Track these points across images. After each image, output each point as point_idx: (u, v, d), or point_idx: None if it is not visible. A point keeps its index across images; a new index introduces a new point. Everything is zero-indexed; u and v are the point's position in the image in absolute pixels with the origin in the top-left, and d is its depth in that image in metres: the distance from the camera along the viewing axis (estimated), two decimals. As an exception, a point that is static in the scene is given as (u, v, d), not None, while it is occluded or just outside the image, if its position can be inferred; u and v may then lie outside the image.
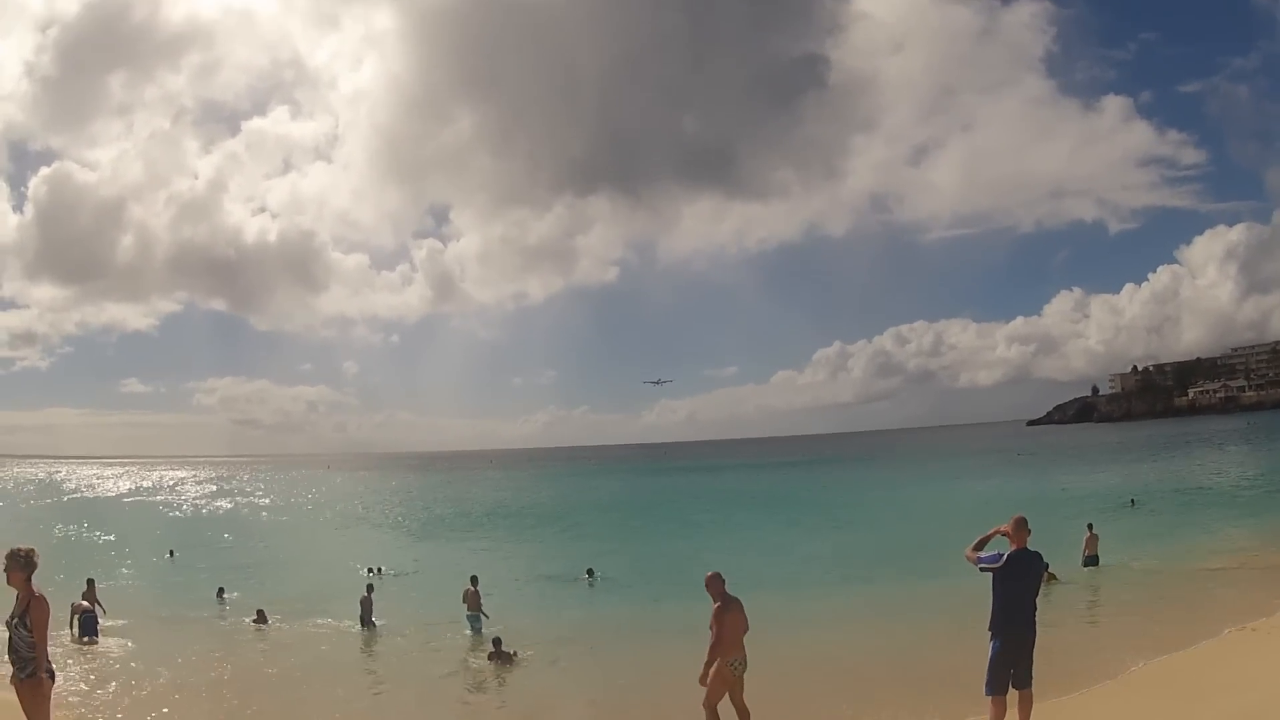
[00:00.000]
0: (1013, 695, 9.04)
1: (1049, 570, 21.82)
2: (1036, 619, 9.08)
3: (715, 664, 10.64)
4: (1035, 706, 9.17)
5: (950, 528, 27.40)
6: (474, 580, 21.71)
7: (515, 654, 18.02)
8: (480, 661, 18.21)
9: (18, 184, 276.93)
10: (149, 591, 29.91)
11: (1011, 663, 8.94)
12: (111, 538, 47.59)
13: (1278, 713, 9.14)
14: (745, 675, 10.89)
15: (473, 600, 21.23)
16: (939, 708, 12.26)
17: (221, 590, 27.84)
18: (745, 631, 10.88)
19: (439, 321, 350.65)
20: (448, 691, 16.82)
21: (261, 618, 23.22)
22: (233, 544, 45.27)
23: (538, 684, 16.97)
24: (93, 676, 17.44)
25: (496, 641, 18.21)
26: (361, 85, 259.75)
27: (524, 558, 37.09)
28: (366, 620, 22.00)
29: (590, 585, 29.01)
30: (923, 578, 24.65)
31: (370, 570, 31.56)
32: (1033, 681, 9.05)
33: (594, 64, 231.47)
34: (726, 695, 10.87)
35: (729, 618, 10.70)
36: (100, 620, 21.35)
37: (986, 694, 9.00)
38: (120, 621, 22.74)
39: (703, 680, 10.75)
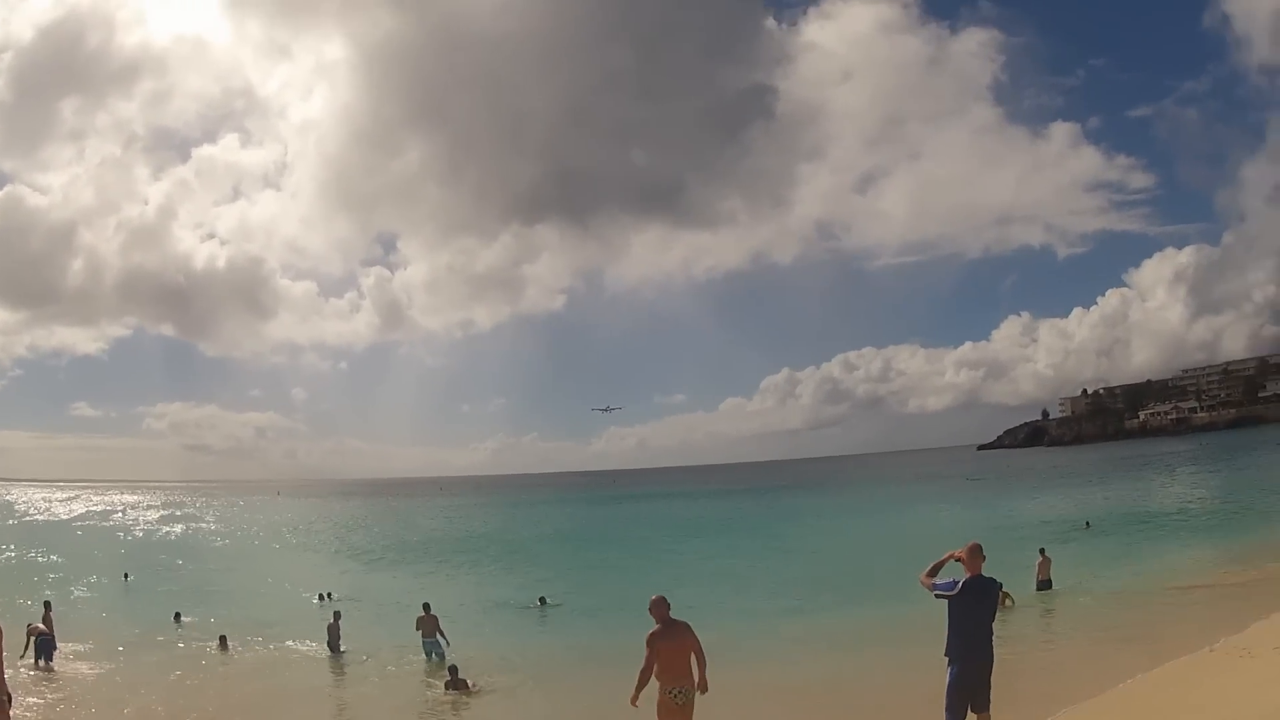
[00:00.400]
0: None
1: (1005, 592, 22.28)
2: (993, 644, 9.35)
3: (657, 692, 10.28)
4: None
5: (901, 556, 27.57)
6: (426, 607, 21.60)
7: (471, 684, 17.97)
8: (437, 691, 18.14)
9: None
10: (106, 615, 29.95)
11: (970, 688, 9.13)
12: (63, 560, 47.13)
13: None
14: (712, 706, 10.58)
15: (428, 626, 21.00)
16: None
17: (178, 614, 27.78)
18: (693, 658, 10.37)
19: (387, 349, 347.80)
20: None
21: (223, 644, 23.27)
22: (186, 568, 45.04)
23: (495, 714, 17.08)
24: (57, 706, 17.28)
25: (453, 669, 18.16)
26: (311, 115, 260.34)
27: (474, 585, 37.03)
28: (335, 646, 22.00)
29: (542, 613, 28.97)
30: (865, 606, 24.99)
31: (321, 596, 31.61)
32: (990, 705, 9.31)
33: (542, 96, 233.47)
34: None
35: (663, 645, 10.28)
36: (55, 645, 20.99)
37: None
38: (80, 646, 22.79)
39: (632, 701, 10.40)
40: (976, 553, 9.35)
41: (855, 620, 23.40)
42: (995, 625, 9.50)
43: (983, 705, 9.20)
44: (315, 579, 37.32)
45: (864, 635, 21.20)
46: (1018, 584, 23.71)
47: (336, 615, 23.20)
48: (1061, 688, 14.83)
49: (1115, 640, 19.02)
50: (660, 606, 10.47)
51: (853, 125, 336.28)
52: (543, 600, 29.89)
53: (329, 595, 31.92)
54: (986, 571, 9.45)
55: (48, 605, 22.35)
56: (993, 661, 9.23)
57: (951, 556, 9.45)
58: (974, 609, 9.22)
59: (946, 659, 9.33)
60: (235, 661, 22.10)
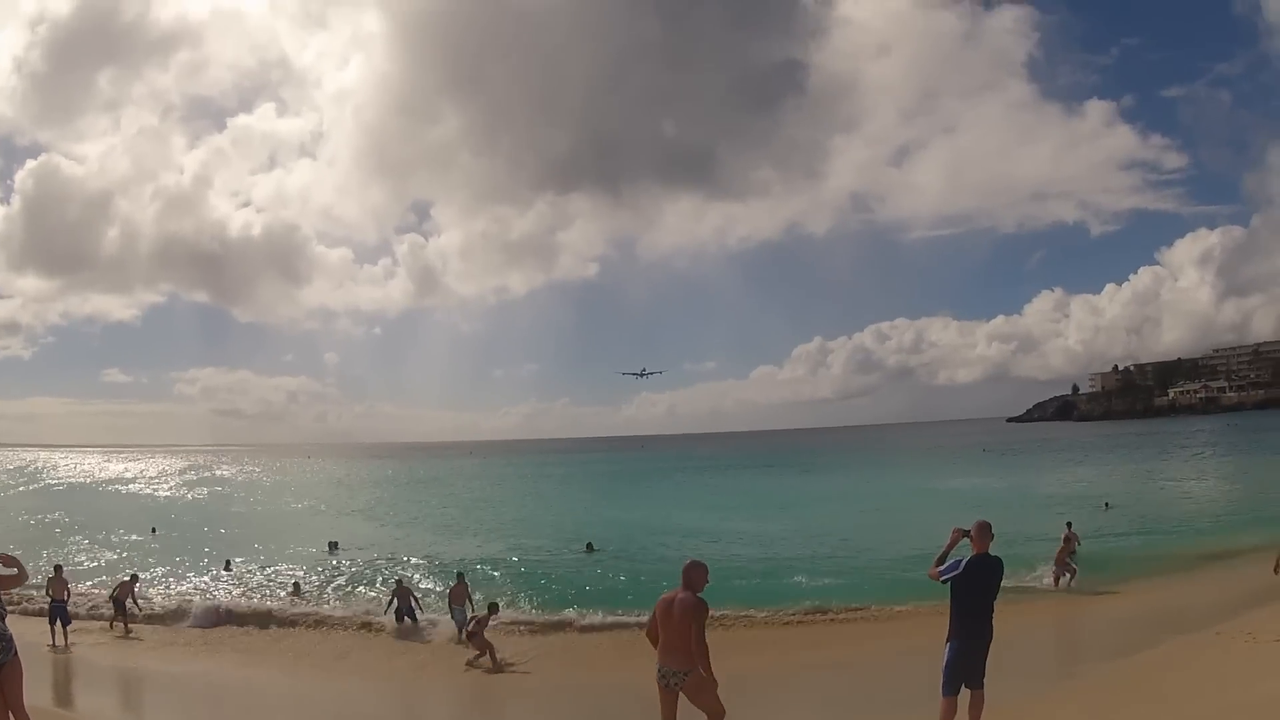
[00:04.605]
0: (964, 696, 9.24)
1: (1073, 534, 23.16)
2: (993, 622, 9.28)
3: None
4: (993, 707, 9.36)
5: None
6: (460, 576, 21.48)
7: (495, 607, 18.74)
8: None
9: (4, 177, 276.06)
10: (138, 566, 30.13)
11: (968, 664, 9.15)
12: (88, 521, 47.84)
13: (1246, 718, 9.30)
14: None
15: (458, 594, 20.60)
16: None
17: (228, 561, 29.99)
18: (688, 638, 8.50)
19: (421, 315, 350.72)
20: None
21: (296, 590, 25.04)
22: (213, 526, 45.29)
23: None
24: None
25: (493, 606, 18.61)
26: (347, 84, 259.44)
27: (518, 536, 38.15)
28: (407, 613, 21.47)
29: (592, 558, 31.02)
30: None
31: (331, 545, 33.69)
32: (984, 680, 9.25)
33: (577, 66, 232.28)
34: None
35: (659, 615, 8.79)
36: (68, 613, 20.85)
37: (943, 694, 9.21)
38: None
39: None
40: (985, 531, 9.25)
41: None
42: (1005, 598, 9.40)
43: (976, 681, 9.16)
44: (345, 534, 38.50)
45: (859, 610, 20.99)
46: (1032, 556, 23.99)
47: (400, 581, 22.76)
48: (1062, 662, 14.83)
49: (1123, 617, 19.13)
50: (686, 572, 8.82)
51: (888, 99, 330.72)
52: (590, 546, 32.37)
53: (335, 545, 33.87)
54: (1009, 544, 9.32)
55: (58, 569, 21.47)
56: (991, 639, 9.16)
57: (959, 533, 9.34)
58: (977, 587, 9.15)
59: (948, 634, 9.24)
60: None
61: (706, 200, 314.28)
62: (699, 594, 8.71)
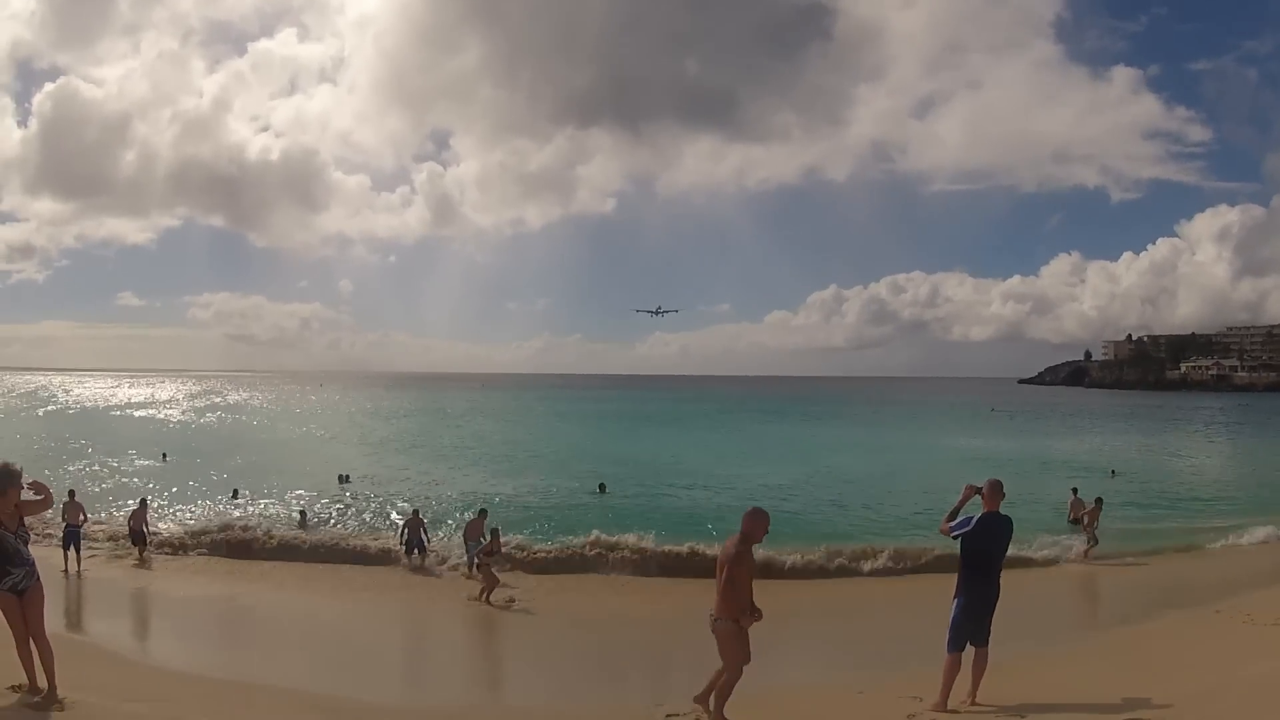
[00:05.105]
0: (969, 652, 9.32)
1: (1086, 501, 23.28)
2: (1000, 580, 9.33)
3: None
4: (994, 665, 9.44)
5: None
6: (482, 513, 21.23)
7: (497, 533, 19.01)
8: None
9: (23, 100, 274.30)
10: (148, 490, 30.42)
11: (974, 622, 9.22)
12: (100, 445, 48.40)
13: (1230, 698, 9.31)
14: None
15: (474, 529, 20.34)
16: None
17: (236, 490, 30.29)
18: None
19: (437, 244, 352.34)
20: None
21: (302, 519, 25.41)
22: (225, 451, 45.72)
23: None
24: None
25: (495, 532, 18.78)
26: (369, 11, 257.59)
27: (532, 476, 38.24)
28: (416, 544, 21.48)
29: (603, 499, 31.23)
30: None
31: (341, 477, 33.72)
32: (989, 638, 9.32)
33: (599, 2, 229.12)
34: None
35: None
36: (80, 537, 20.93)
37: (948, 650, 9.29)
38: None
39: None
40: (997, 490, 9.31)
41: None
42: (1015, 553, 9.43)
43: (982, 639, 9.26)
44: (355, 465, 38.67)
45: (866, 562, 21.05)
46: (1041, 519, 24.33)
47: (416, 513, 22.52)
48: (1062, 627, 14.94)
49: (1123, 588, 19.30)
50: (743, 519, 8.65)
51: (912, 49, 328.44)
52: (602, 487, 32.90)
53: (346, 477, 33.98)
54: (1018, 505, 9.34)
55: (72, 494, 21.58)
56: (998, 598, 9.22)
57: (971, 489, 9.36)
58: (988, 545, 9.23)
59: (956, 590, 9.31)
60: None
61: (726, 142, 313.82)
62: (753, 543, 8.63)
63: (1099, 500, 23.12)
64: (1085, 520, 22.62)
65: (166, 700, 9.81)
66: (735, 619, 8.48)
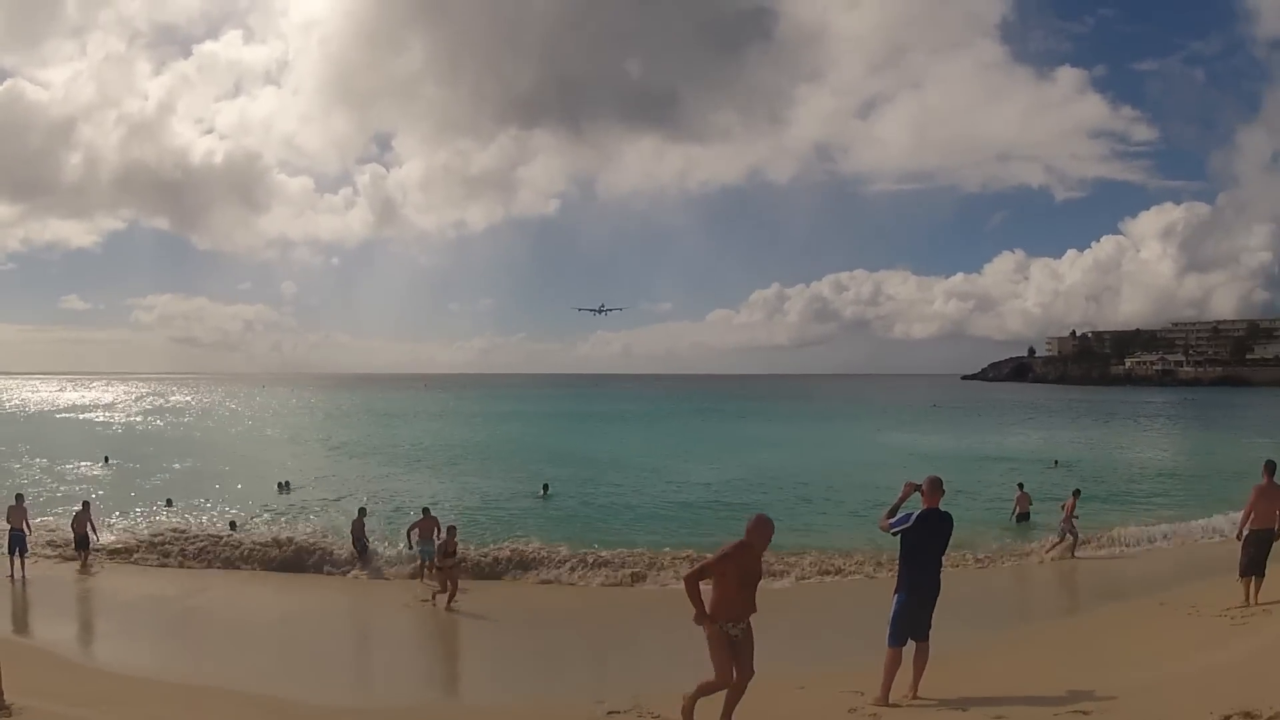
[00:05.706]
0: (910, 646, 9.36)
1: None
2: (941, 576, 9.38)
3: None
4: (936, 658, 9.48)
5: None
6: (425, 511, 21.02)
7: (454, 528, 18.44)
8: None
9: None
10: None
11: (915, 617, 9.24)
12: (43, 450, 47.27)
13: (1175, 690, 9.37)
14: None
15: (425, 529, 20.06)
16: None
17: (170, 500, 29.21)
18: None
19: (379, 246, 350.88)
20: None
21: (232, 526, 24.54)
22: (167, 456, 45.00)
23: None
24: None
25: (451, 529, 18.20)
26: (313, 12, 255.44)
27: (475, 477, 38.01)
28: (361, 546, 21.30)
29: (546, 500, 30.89)
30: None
31: (280, 485, 32.87)
32: (930, 632, 9.37)
33: (543, 2, 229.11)
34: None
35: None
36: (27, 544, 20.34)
37: (889, 645, 9.32)
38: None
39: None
40: (937, 486, 9.30)
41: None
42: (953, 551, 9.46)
43: (922, 633, 9.27)
44: (298, 471, 38.01)
45: (805, 557, 20.69)
46: (995, 516, 24.55)
47: (361, 512, 22.30)
48: (1005, 620, 15.09)
49: (1067, 579, 19.42)
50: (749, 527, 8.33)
51: (856, 50, 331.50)
52: (545, 488, 32.39)
53: (287, 484, 33.14)
54: (959, 500, 9.38)
55: (19, 498, 21.03)
56: (939, 593, 9.26)
57: (911, 486, 9.38)
58: (927, 541, 9.22)
59: (896, 586, 9.35)
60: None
61: (667, 141, 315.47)
62: (753, 549, 8.20)
63: (1076, 492, 22.54)
64: (1064, 514, 21.35)
65: (114, 704, 9.74)
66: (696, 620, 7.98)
